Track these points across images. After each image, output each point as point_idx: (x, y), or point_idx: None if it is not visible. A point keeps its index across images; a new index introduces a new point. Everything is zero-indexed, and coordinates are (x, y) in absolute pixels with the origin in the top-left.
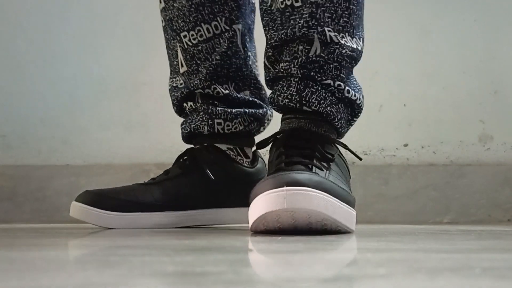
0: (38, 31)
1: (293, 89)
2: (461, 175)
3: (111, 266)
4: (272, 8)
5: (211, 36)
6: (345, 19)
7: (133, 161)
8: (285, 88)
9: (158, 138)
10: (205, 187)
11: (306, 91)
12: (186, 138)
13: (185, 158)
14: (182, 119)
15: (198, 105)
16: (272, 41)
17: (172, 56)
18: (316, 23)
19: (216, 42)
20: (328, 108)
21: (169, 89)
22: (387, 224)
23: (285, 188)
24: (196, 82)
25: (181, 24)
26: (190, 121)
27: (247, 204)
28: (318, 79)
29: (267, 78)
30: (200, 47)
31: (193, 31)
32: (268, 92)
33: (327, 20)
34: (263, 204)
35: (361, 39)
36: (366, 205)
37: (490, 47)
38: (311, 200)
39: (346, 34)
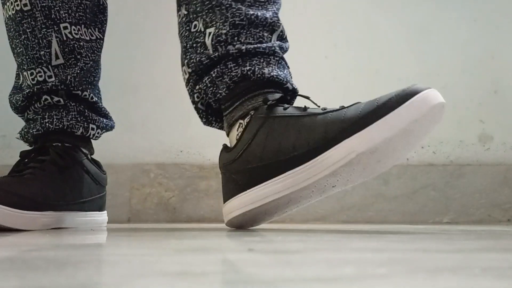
0: None
1: (274, 66)
2: (460, 175)
3: (111, 266)
4: None
5: (92, 39)
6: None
7: (133, 161)
8: (264, 64)
9: (158, 138)
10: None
11: (285, 71)
12: (46, 132)
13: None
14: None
15: (66, 102)
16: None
17: (36, 45)
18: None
19: (94, 46)
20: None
21: (20, 84)
22: (387, 224)
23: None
24: (70, 77)
25: (64, 15)
26: (58, 116)
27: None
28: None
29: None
30: (82, 43)
31: (75, 26)
32: None
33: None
34: None
35: None
36: (366, 205)
37: (490, 47)
38: None
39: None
